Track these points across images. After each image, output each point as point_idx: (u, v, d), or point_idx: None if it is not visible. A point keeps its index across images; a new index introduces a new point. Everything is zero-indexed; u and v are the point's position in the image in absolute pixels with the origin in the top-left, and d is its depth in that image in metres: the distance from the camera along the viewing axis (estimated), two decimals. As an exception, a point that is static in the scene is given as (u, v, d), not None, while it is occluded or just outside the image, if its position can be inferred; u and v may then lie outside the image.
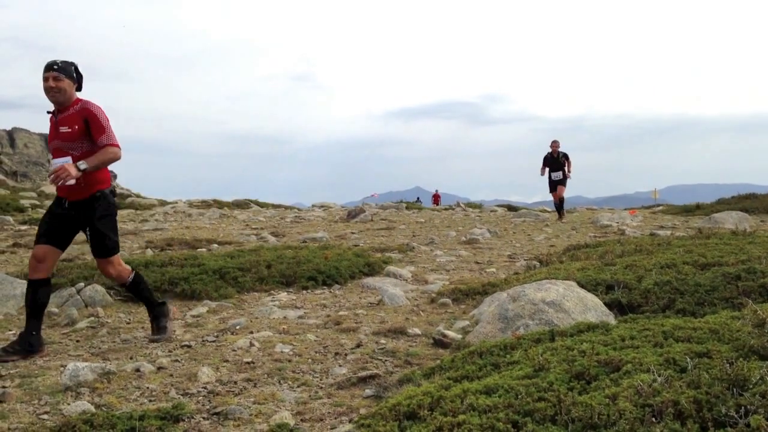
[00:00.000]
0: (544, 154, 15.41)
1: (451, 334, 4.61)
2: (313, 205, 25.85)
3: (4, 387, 3.76)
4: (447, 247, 10.16)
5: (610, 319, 4.35)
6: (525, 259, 8.51)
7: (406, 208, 21.31)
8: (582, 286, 4.87)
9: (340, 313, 5.68)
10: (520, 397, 2.66)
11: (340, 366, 4.12)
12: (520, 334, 3.90)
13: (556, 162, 15.10)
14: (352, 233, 12.41)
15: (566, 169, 15.17)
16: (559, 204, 15.41)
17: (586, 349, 3.15)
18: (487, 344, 3.78)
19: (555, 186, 15.11)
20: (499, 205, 24.77)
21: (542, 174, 15.18)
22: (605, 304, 4.61)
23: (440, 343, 4.50)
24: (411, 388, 3.20)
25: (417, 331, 4.90)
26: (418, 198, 41.92)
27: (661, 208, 19.93)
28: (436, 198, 41.32)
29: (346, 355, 4.37)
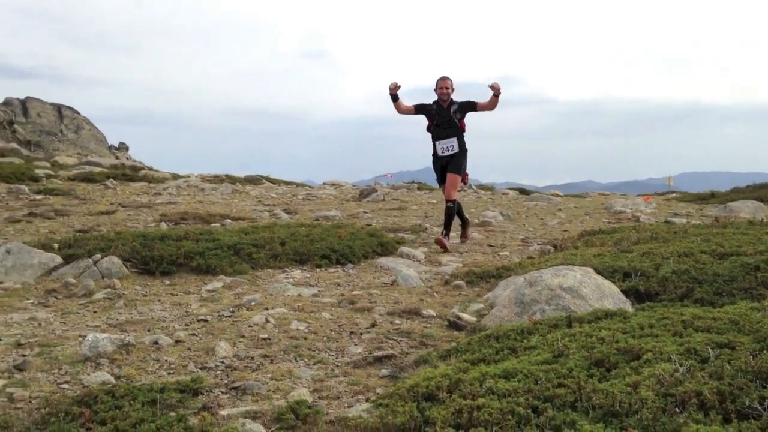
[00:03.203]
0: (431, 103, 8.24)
1: (465, 316, 4.62)
2: (324, 183, 25.84)
3: (24, 356, 3.81)
4: (460, 229, 10.14)
5: (628, 306, 4.34)
6: (538, 244, 8.49)
7: (418, 188, 21.27)
8: (599, 272, 4.86)
9: (354, 292, 5.69)
10: (539, 382, 2.67)
11: (355, 345, 4.14)
12: (537, 319, 3.90)
13: (445, 119, 8.07)
14: (364, 212, 12.41)
15: (461, 130, 8.16)
16: (452, 210, 8.15)
17: (605, 337, 3.15)
18: (504, 328, 3.79)
19: (443, 172, 8.27)
20: (510, 188, 24.69)
21: (400, 109, 8.29)
22: (622, 291, 4.60)
23: (455, 325, 4.51)
24: (428, 369, 3.22)
25: (431, 312, 4.91)
26: None
27: (674, 195, 19.81)
28: (463, 177, 40.11)
29: (361, 334, 4.39)
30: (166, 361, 3.76)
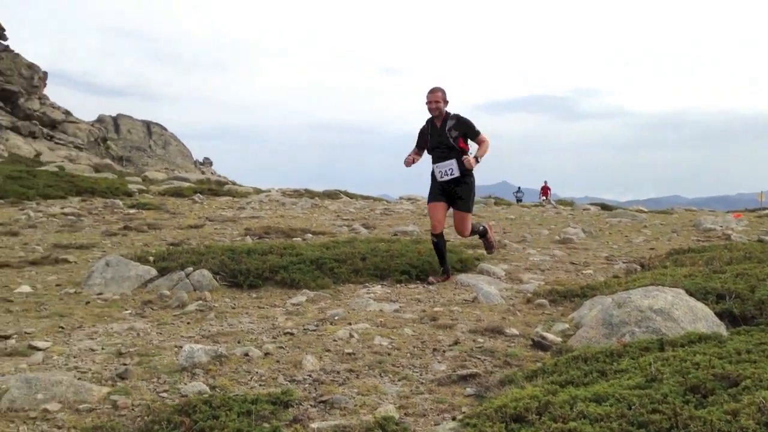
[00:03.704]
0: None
1: (550, 336, 4.57)
2: (400, 198, 25.99)
3: (125, 365, 4.02)
4: (540, 245, 10.02)
5: (722, 330, 4.18)
6: (624, 262, 8.28)
7: (495, 203, 21.09)
8: (690, 294, 4.70)
9: (436, 308, 5.72)
10: (633, 407, 2.62)
11: (438, 362, 4.17)
12: (626, 342, 3.82)
13: (439, 139, 6.80)
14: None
15: (469, 154, 6.78)
16: (438, 245, 7.02)
17: (700, 362, 3.06)
18: (592, 350, 3.72)
19: (444, 195, 6.94)
20: (591, 203, 24.13)
21: (409, 162, 6.98)
22: (716, 314, 4.44)
23: (540, 345, 4.46)
24: (515, 390, 3.20)
25: (514, 331, 4.88)
26: (519, 188, 40.12)
27: (767, 212, 18.86)
28: (545, 190, 37.99)
29: (444, 351, 4.41)
30: (257, 372, 3.89)
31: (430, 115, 6.88)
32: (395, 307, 5.81)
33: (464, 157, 6.72)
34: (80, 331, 4.95)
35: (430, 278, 7.01)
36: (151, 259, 6.94)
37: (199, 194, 17.28)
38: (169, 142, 76.32)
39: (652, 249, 9.64)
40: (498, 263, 8.11)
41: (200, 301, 5.81)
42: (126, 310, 5.64)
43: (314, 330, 4.95)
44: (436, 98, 6.79)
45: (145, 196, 16.33)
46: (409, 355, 4.32)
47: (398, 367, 4.06)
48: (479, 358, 4.23)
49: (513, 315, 5.52)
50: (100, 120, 66.52)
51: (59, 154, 37.06)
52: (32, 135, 38.87)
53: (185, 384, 3.64)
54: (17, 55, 45.98)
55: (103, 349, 4.42)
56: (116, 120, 72.68)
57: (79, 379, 3.67)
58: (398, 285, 6.84)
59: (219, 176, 38.28)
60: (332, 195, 21.89)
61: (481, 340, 4.66)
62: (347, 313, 5.50)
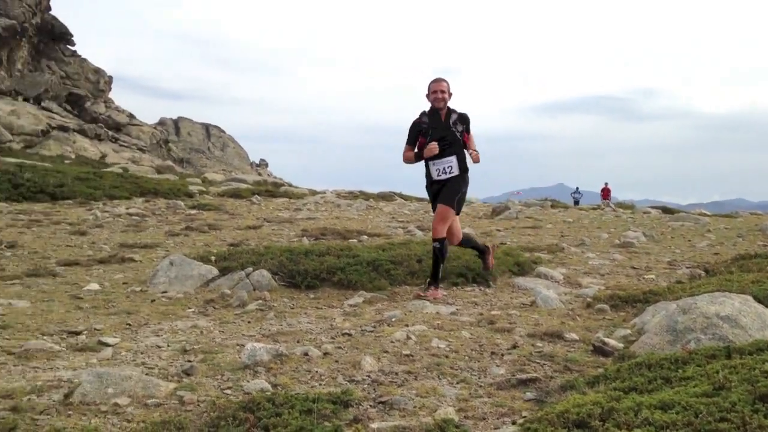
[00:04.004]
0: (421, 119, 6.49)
1: (612, 342, 4.49)
2: (455, 200, 25.87)
3: (190, 361, 4.14)
4: (599, 249, 9.84)
5: (794, 339, 4.03)
6: (687, 267, 8.06)
7: (552, 206, 20.80)
8: (758, 300, 4.55)
9: (493, 312, 5.68)
10: (700, 415, 2.56)
11: (497, 366, 4.14)
12: (692, 349, 3.72)
13: (442, 132, 6.30)
14: (498, 230, 12.32)
15: (466, 150, 6.42)
16: (439, 251, 6.35)
17: (770, 371, 2.96)
18: (656, 357, 3.64)
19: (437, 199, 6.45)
20: (651, 207, 23.53)
21: (409, 160, 6.47)
22: (786, 322, 4.28)
23: (601, 350, 4.39)
24: (577, 395, 3.17)
25: (574, 336, 4.81)
26: (576, 189, 39.33)
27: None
28: (605, 192, 36.92)
29: (502, 355, 4.39)
30: (317, 372, 3.95)
31: (428, 108, 6.39)
32: (452, 309, 5.80)
33: (472, 151, 6.33)
34: (146, 328, 5.12)
35: (417, 292, 6.38)
36: (213, 259, 7.11)
37: (256, 195, 17.60)
38: (226, 144, 77.89)
39: (716, 254, 9.35)
40: (556, 267, 8.00)
41: (260, 301, 5.93)
42: (189, 308, 5.80)
43: (371, 331, 4.99)
44: (441, 88, 6.29)
45: (205, 197, 16.73)
46: (467, 358, 4.32)
47: (456, 369, 4.06)
48: (539, 363, 4.19)
49: (572, 320, 5.45)
50: (162, 123, 68.38)
51: (123, 155, 38.30)
52: (98, 137, 40.30)
53: (248, 381, 3.73)
54: (84, 60, 47.72)
55: (168, 346, 4.56)
56: (177, 123, 74.55)
57: (147, 374, 3.80)
58: (454, 288, 6.83)
59: (275, 178, 38.90)
60: (387, 197, 21.97)
61: (540, 345, 4.61)
62: (404, 315, 5.53)
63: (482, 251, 6.99)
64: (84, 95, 44.73)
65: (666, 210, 21.03)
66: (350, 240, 9.80)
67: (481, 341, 4.72)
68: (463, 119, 6.38)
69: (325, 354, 4.32)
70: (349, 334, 4.87)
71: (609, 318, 5.49)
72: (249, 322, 5.34)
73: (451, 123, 6.33)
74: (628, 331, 4.86)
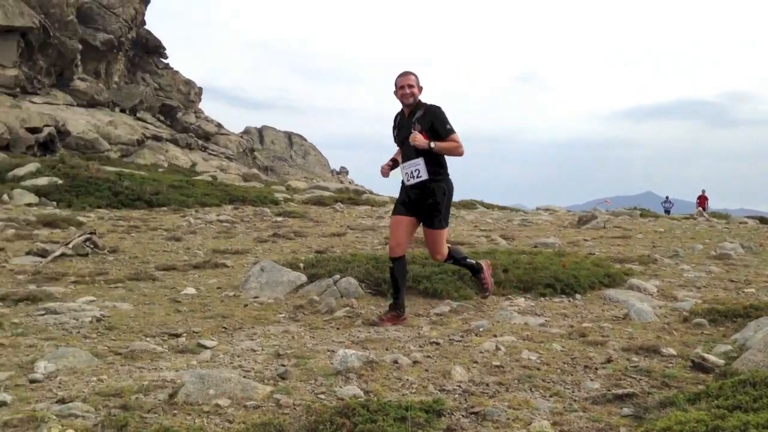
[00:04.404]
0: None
1: (711, 358, 4.31)
2: (537, 208, 25.46)
3: (283, 365, 4.26)
4: (694, 261, 9.45)
5: None
6: (791, 281, 7.63)
7: (641, 215, 20.13)
8: None
9: (584, 324, 5.57)
10: (816, 439, 2.43)
11: (591, 380, 4.06)
12: (803, 368, 3.53)
13: (406, 132, 5.61)
14: (585, 240, 12.03)
15: (434, 147, 5.46)
16: (394, 271, 5.77)
17: None
18: (761, 374, 3.47)
19: (411, 207, 5.75)
20: (748, 216, 22.40)
21: (386, 170, 5.92)
22: None
23: (700, 366, 4.22)
24: (678, 412, 3.06)
25: (671, 351, 4.64)
26: (667, 198, 37.73)
27: None
28: (702, 200, 34.59)
29: (596, 369, 4.29)
30: (407, 380, 3.98)
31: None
32: (541, 321, 5.72)
33: (412, 133, 5.45)
34: (241, 331, 5.29)
35: (375, 318, 5.67)
36: (301, 265, 7.28)
37: (339, 203, 17.88)
38: (308, 151, 79.41)
39: (823, 267, 8.81)
40: (649, 279, 7.74)
41: (348, 308, 6.02)
42: (280, 313, 5.96)
43: (459, 341, 4.99)
44: (409, 82, 5.57)
45: (290, 205, 17.13)
46: (559, 371, 4.25)
47: (549, 382, 4.00)
48: (635, 378, 4.07)
49: (669, 334, 5.26)
50: (247, 131, 70.43)
51: (212, 164, 39.71)
52: (188, 146, 41.97)
53: (340, 387, 3.80)
54: (176, 72, 49.86)
55: (263, 349, 4.70)
56: (261, 131, 76.58)
57: (244, 377, 3.94)
58: (542, 298, 6.72)
59: (356, 185, 39.41)
60: (468, 205, 21.86)
61: (636, 359, 4.48)
62: (491, 325, 5.49)
63: (476, 270, 6.29)
64: (176, 106, 46.72)
65: (763, 220, 19.99)
66: (434, 248, 9.80)
67: (573, 354, 4.63)
68: (430, 115, 5.54)
69: (415, 362, 4.34)
70: (437, 343, 4.88)
71: (707, 333, 5.27)
72: (338, 328, 5.44)
73: (412, 122, 5.59)
74: (729, 347, 4.66)
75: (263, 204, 16.45)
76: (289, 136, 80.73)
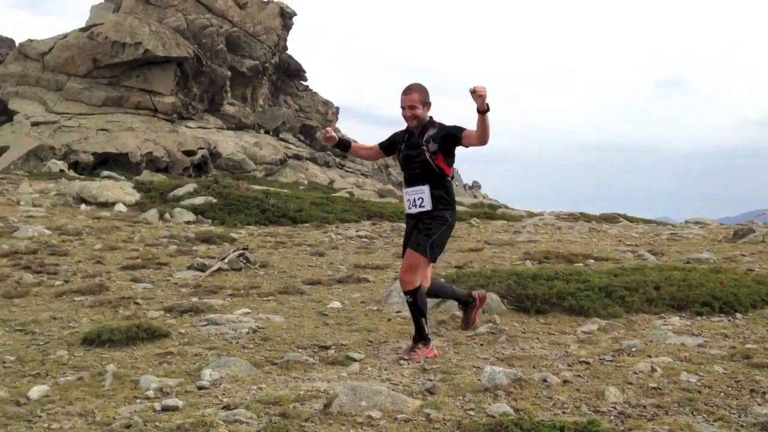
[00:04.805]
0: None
1: None
2: (686, 221, 23.98)
3: (430, 380, 4.32)
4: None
5: None
6: None
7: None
8: None
9: (747, 345, 5.18)
10: None
11: (759, 405, 3.77)
12: None
13: (413, 153, 5.00)
14: (743, 255, 11.17)
15: (441, 173, 4.94)
16: (414, 305, 5.00)
17: None
18: None
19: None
20: None
21: (331, 135, 5.24)
22: None
23: None
24: None
25: None
26: None
27: None
28: None
29: (764, 393, 3.98)
30: (558, 399, 3.90)
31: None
32: (699, 341, 5.38)
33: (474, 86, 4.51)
34: (386, 345, 5.41)
35: (401, 355, 5.00)
36: (441, 281, 7.32)
37: (474, 218, 17.79)
38: (442, 167, 79.59)
39: None
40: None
41: (490, 324, 5.99)
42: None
43: (611, 361, 4.81)
44: (410, 101, 4.91)
45: (427, 220, 17.28)
46: (722, 394, 3.98)
47: (712, 406, 3.77)
48: (811, 406, 3.74)
49: None
50: (382, 149, 71.91)
51: (348, 180, 40.96)
52: (326, 164, 43.58)
53: (489, 404, 3.79)
54: (315, 93, 51.99)
55: (408, 364, 4.78)
56: (395, 148, 77.74)
57: (393, 390, 4.03)
58: (698, 317, 6.33)
59: (491, 199, 39.06)
60: (610, 218, 20.98)
61: (810, 385, 4.11)
62: (645, 345, 5.24)
63: (466, 302, 5.52)
64: (315, 126, 48.68)
65: None
66: (576, 264, 9.52)
67: (737, 377, 4.32)
68: (443, 137, 4.87)
69: (565, 381, 4.24)
70: (587, 363, 4.74)
71: None
72: (481, 344, 5.42)
73: (423, 141, 4.93)
74: None
75: (400, 219, 16.70)
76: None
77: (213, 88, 39.11)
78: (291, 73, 49.78)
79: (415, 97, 4.91)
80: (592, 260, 10.08)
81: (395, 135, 5.21)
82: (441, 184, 4.92)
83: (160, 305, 6.84)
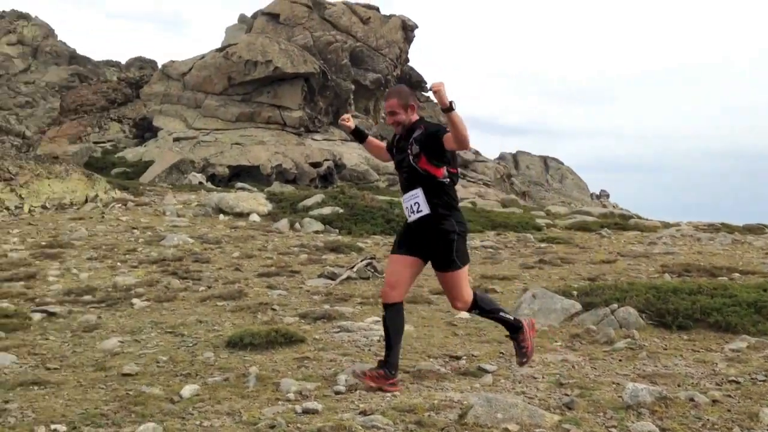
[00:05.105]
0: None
1: None
2: None
3: (567, 395, 4.20)
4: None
5: None
6: None
7: None
8: None
9: None
10: None
11: None
12: None
13: (401, 156, 4.74)
14: None
15: (428, 175, 4.58)
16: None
17: None
18: None
19: (410, 247, 4.70)
20: None
21: (348, 121, 4.95)
22: None
23: None
24: None
25: None
26: None
27: None
28: None
29: None
30: (708, 420, 3.68)
31: None
32: None
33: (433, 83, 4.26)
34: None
35: (358, 370, 4.62)
36: (574, 293, 7.12)
37: (605, 228, 17.14)
38: (565, 175, 77.47)
39: None
40: None
41: (628, 339, 5.74)
42: (556, 341, 5.88)
43: (764, 380, 4.48)
44: (389, 107, 4.67)
45: (553, 231, 16.86)
46: None
47: None
48: None
49: None
50: (501, 157, 70.96)
51: (470, 190, 40.72)
52: (449, 175, 43.68)
53: (632, 422, 3.65)
54: (436, 104, 52.33)
55: (543, 377, 4.69)
56: (515, 157, 76.55)
57: (529, 403, 3.96)
58: None
59: (621, 209, 37.46)
60: (755, 229, 19.50)
61: None
62: (803, 366, 4.84)
63: (514, 328, 4.86)
64: (436, 136, 48.91)
65: None
66: (720, 278, 8.93)
67: None
68: (425, 139, 4.52)
69: (714, 401, 4.00)
70: (737, 382, 4.45)
71: None
72: (620, 360, 5.21)
73: (408, 144, 4.62)
74: None
75: (525, 230, 16.40)
76: (545, 160, 79.62)
77: (338, 102, 40.28)
78: (412, 84, 50.29)
79: (393, 102, 4.67)
80: (737, 273, 9.42)
81: (391, 138, 5.02)
82: (434, 186, 4.59)
83: (294, 311, 7.11)
